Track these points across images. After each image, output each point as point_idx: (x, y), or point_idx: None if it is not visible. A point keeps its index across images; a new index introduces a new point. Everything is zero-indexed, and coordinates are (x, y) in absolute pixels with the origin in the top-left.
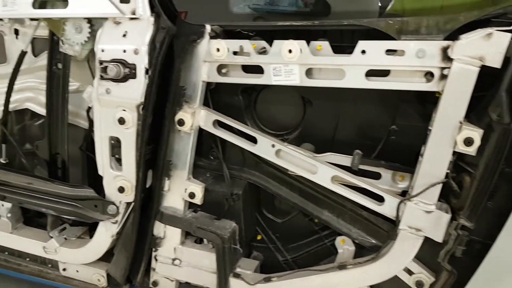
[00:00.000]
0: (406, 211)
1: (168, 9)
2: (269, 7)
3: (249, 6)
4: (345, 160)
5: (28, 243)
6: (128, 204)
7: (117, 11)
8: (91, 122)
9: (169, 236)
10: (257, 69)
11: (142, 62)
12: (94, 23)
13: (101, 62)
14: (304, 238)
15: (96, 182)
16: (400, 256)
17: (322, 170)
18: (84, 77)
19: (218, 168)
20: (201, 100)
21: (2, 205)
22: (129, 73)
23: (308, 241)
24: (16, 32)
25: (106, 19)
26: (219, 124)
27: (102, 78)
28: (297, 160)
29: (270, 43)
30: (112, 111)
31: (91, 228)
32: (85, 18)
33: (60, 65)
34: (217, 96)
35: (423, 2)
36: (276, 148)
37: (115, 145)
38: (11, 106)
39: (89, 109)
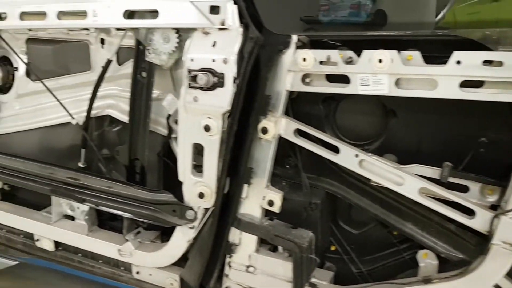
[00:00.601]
0: (500, 226)
1: (256, 19)
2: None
3: (301, 18)
4: (432, 172)
5: (104, 245)
6: (206, 209)
7: (207, 21)
8: (170, 129)
9: (245, 243)
10: (341, 79)
11: (230, 71)
12: (181, 33)
13: (190, 71)
14: (381, 250)
15: (169, 187)
16: (491, 272)
17: (409, 181)
18: (164, 86)
19: (293, 176)
20: (283, 109)
21: (78, 208)
22: (217, 81)
23: (385, 254)
24: (102, 41)
25: (195, 29)
26: (299, 133)
27: (190, 86)
28: (382, 171)
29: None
30: (198, 118)
31: (163, 233)
32: (173, 29)
33: (144, 74)
34: (296, 105)
35: (474, 15)
36: (359, 158)
37: (197, 152)
38: (93, 113)
39: (168, 116)
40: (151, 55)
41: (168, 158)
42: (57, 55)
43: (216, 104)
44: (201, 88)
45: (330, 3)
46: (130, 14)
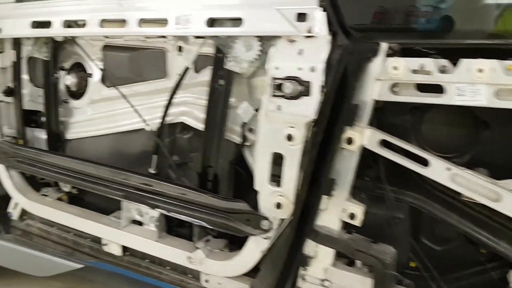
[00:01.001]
0: None
1: (344, 26)
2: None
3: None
4: None
5: (173, 252)
6: (282, 220)
7: (293, 29)
8: (244, 137)
9: (321, 256)
10: (433, 88)
11: (317, 79)
12: (264, 41)
13: (274, 80)
14: (466, 268)
15: (239, 196)
16: None
17: (508, 198)
18: (239, 94)
19: (373, 189)
20: (368, 119)
21: (146, 213)
22: (303, 90)
23: (470, 272)
24: (179, 49)
25: (279, 37)
26: (383, 144)
27: (274, 95)
28: (477, 186)
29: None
30: (280, 127)
31: (231, 241)
32: (256, 36)
33: (222, 82)
34: (380, 115)
35: None
36: (452, 171)
37: (276, 161)
38: (167, 119)
39: (243, 124)
40: (230, 63)
41: (240, 166)
42: (133, 62)
43: (301, 113)
44: (285, 97)
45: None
46: (211, 22)
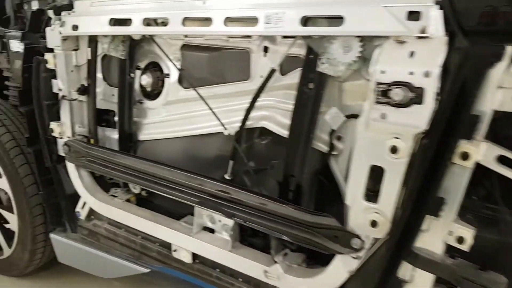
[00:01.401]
0: None
1: (462, 26)
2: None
3: None
4: None
5: (248, 264)
6: (376, 239)
7: (403, 29)
8: (331, 146)
9: (418, 281)
10: None
11: (432, 86)
12: (365, 42)
13: (379, 85)
14: None
15: (321, 209)
16: None
17: None
18: (328, 98)
19: (481, 209)
20: (485, 131)
21: (219, 221)
22: (414, 97)
23: None
24: (265, 49)
25: (385, 38)
26: (500, 160)
27: (378, 101)
28: None
29: None
30: (383, 138)
31: (309, 256)
32: (357, 37)
33: (311, 85)
34: (497, 127)
35: None
36: None
37: (374, 175)
38: (247, 124)
39: (332, 132)
40: (324, 65)
41: (325, 177)
42: (213, 63)
43: (410, 123)
44: (392, 104)
45: None
46: (306, 21)
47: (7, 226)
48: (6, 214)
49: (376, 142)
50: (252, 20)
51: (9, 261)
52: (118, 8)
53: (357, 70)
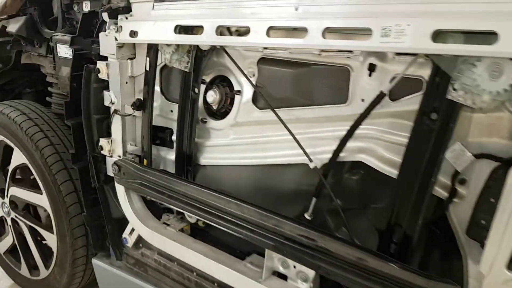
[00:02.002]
0: None
1: None
2: None
3: None
4: None
5: None
6: None
7: None
8: (453, 191)
9: None
10: None
11: None
12: None
13: None
14: None
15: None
16: None
17: None
18: None
19: None
20: None
21: (294, 267)
22: None
23: None
24: (371, 67)
25: None
26: None
27: None
28: None
29: None
30: None
31: None
32: None
33: (435, 116)
34: None
35: None
36: None
37: None
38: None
39: (455, 173)
40: (457, 92)
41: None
42: (300, 81)
43: None
44: None
45: None
46: (436, 35)
47: (45, 242)
48: (45, 233)
49: None
50: (363, 32)
51: (45, 283)
52: (186, 13)
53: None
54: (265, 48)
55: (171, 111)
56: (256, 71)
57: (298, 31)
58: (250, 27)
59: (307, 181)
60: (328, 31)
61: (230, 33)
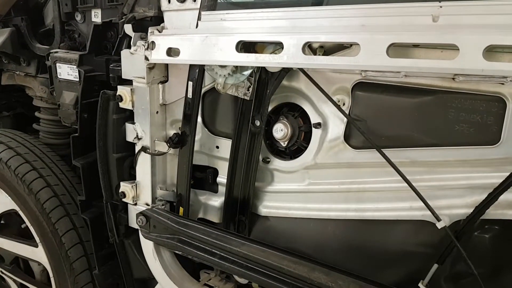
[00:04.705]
0: None
1: None
2: None
3: None
4: None
5: None
6: None
7: None
8: None
9: None
10: None
11: None
12: None
13: None
14: None
15: None
16: None
17: None
18: None
19: None
20: None
21: None
22: None
23: None
24: None
25: None
26: None
27: None
28: None
29: None
30: None
31: None
32: None
33: None
34: None
35: None
36: None
37: None
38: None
39: None
40: None
41: None
42: (421, 114)
43: None
44: None
45: None
46: None
47: None
48: None
49: None
50: None
51: None
52: (253, 25)
53: None
54: (364, 70)
55: (217, 147)
56: (348, 99)
57: (442, 50)
58: (360, 44)
59: (421, 241)
60: (488, 50)
61: (313, 51)
